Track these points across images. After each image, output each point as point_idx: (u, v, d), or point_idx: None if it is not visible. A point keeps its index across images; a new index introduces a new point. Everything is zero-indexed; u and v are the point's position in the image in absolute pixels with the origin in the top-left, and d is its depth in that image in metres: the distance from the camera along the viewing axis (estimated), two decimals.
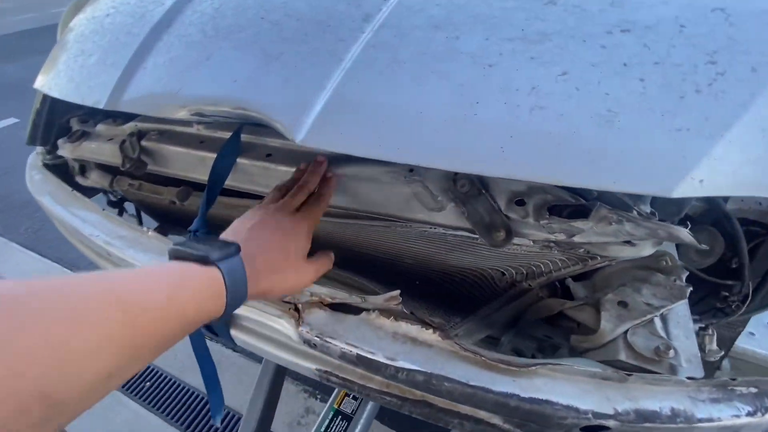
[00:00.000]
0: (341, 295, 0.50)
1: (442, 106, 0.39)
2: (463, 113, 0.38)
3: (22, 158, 2.98)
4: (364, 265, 0.64)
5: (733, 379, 0.40)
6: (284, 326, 0.53)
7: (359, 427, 1.01)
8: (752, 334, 0.97)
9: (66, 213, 0.70)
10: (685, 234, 0.39)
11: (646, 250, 0.45)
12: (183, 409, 1.50)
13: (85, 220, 0.68)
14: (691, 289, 0.45)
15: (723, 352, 0.67)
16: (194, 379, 1.60)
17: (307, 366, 0.56)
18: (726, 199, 0.64)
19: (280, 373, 1.19)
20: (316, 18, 0.48)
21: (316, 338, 0.49)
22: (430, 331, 0.47)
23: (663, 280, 0.47)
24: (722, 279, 0.60)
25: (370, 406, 1.05)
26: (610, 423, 0.39)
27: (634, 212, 0.41)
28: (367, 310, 0.50)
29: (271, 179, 0.57)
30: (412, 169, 0.49)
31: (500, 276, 0.54)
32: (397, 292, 0.49)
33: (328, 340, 0.48)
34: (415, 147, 0.38)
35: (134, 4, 0.68)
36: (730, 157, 0.33)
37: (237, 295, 0.38)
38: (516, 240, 0.48)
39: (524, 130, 0.36)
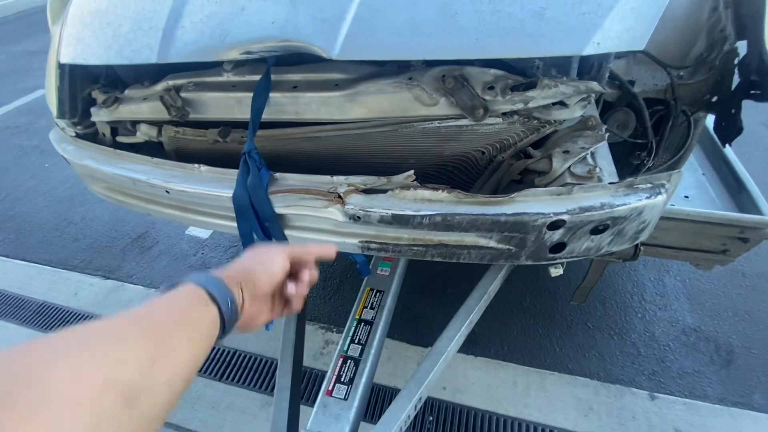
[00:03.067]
0: (371, 180, 0.68)
1: (434, 18, 0.57)
2: (448, 22, 0.56)
3: None
4: (380, 172, 0.82)
5: (636, 179, 0.62)
6: (332, 213, 0.70)
7: (380, 327, 1.21)
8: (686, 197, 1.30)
9: (115, 169, 0.82)
10: (596, 85, 0.60)
11: (577, 111, 0.66)
12: (212, 363, 1.65)
13: (137, 170, 0.81)
14: (608, 134, 0.67)
15: None
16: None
17: (351, 242, 0.74)
18: (633, 83, 0.87)
19: (302, 319, 1.35)
20: None
21: (359, 211, 0.67)
22: (440, 191, 0.66)
23: (590, 133, 0.68)
24: (635, 140, 0.84)
25: (385, 312, 1.25)
26: (565, 216, 0.60)
27: (564, 78, 0.61)
28: (392, 189, 0.69)
29: (299, 106, 0.73)
30: (411, 77, 0.67)
31: (481, 155, 0.74)
32: (412, 171, 0.68)
33: (368, 210, 0.66)
34: (418, 46, 0.56)
35: None
36: (614, 27, 0.53)
37: (224, 298, 0.41)
38: (489, 119, 0.67)
39: (489, 27, 0.55)
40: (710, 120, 1.73)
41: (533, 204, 0.62)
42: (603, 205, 0.60)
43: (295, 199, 0.70)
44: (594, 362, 1.50)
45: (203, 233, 2.30)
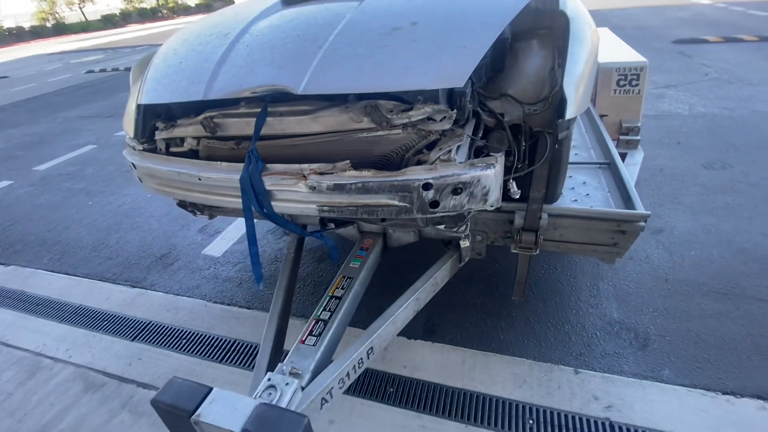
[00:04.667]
0: (324, 166, 1.12)
1: (354, 71, 1.04)
2: (359, 72, 1.04)
3: (21, 215, 3.60)
4: None
5: (481, 155, 1.04)
6: (300, 187, 1.13)
7: (347, 302, 1.55)
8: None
9: (167, 166, 1.29)
10: (443, 107, 1.05)
11: (445, 124, 1.10)
12: (215, 349, 1.98)
13: (180, 167, 1.27)
14: (465, 135, 1.11)
15: (519, 191, 1.30)
16: (221, 331, 2.08)
17: (312, 207, 1.16)
18: (503, 115, 1.32)
19: (286, 308, 1.71)
20: (300, 46, 1.14)
21: (315, 183, 1.10)
22: (365, 171, 1.09)
23: (457, 138, 1.11)
24: (507, 150, 1.27)
25: (352, 293, 1.60)
26: (431, 180, 1.02)
27: (429, 104, 1.07)
28: (336, 171, 1.12)
29: (284, 125, 1.20)
30: (347, 106, 1.13)
31: (396, 155, 1.17)
32: (348, 160, 1.12)
33: (320, 182, 1.09)
34: (346, 86, 1.04)
35: (197, 57, 1.32)
36: (441, 74, 1.00)
37: None
38: (394, 130, 1.12)
39: (391, 69, 1.02)
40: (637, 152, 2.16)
41: (414, 175, 1.03)
42: (454, 174, 1.02)
43: (277, 179, 1.14)
44: (531, 347, 1.79)
45: (217, 252, 2.72)
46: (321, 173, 1.12)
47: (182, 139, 1.34)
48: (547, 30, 1.34)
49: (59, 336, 2.17)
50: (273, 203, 1.19)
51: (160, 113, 1.45)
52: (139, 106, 1.39)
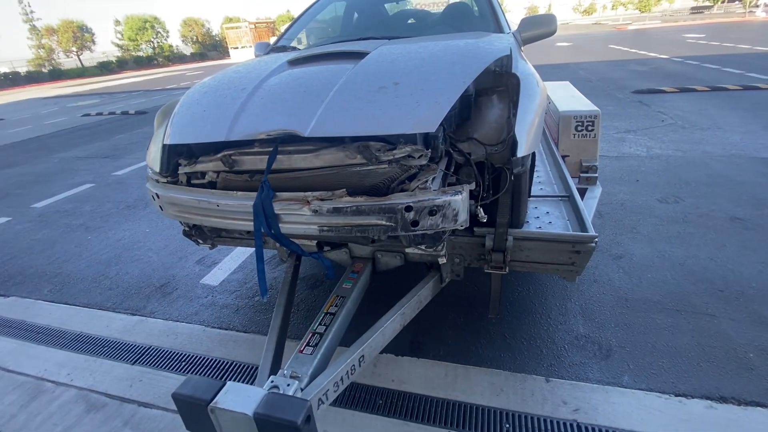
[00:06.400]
0: (324, 194, 1.37)
1: (349, 118, 1.33)
2: (353, 120, 1.32)
3: (20, 249, 3.78)
4: None
5: (452, 185, 1.31)
6: (304, 210, 1.37)
7: (340, 318, 1.74)
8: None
9: (189, 195, 1.51)
10: (420, 147, 1.32)
11: (423, 161, 1.37)
12: (214, 371, 2.09)
13: (200, 196, 1.50)
14: (439, 169, 1.38)
15: (487, 216, 1.56)
16: (219, 353, 2.21)
17: (313, 228, 1.39)
18: (470, 154, 1.61)
19: (284, 324, 1.88)
20: (307, 99, 1.43)
21: (317, 207, 1.34)
22: (358, 197, 1.34)
23: (432, 172, 1.38)
24: (474, 182, 1.54)
25: (344, 310, 1.79)
26: (411, 203, 1.28)
27: (409, 145, 1.34)
28: (334, 198, 1.37)
29: (291, 161, 1.45)
30: (344, 146, 1.40)
31: (382, 185, 1.43)
32: (344, 189, 1.37)
33: (321, 206, 1.34)
34: (343, 130, 1.31)
35: (218, 106, 1.59)
36: (418, 122, 1.29)
37: None
38: (381, 165, 1.39)
39: (378, 118, 1.30)
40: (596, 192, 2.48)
41: (398, 199, 1.28)
42: (429, 199, 1.27)
43: (285, 204, 1.37)
44: (507, 360, 1.97)
45: (214, 282, 2.88)
46: (322, 199, 1.36)
47: (203, 173, 1.58)
48: (504, 88, 1.67)
49: (60, 361, 2.25)
50: (280, 225, 1.42)
51: (182, 152, 1.70)
52: (164, 146, 1.64)
